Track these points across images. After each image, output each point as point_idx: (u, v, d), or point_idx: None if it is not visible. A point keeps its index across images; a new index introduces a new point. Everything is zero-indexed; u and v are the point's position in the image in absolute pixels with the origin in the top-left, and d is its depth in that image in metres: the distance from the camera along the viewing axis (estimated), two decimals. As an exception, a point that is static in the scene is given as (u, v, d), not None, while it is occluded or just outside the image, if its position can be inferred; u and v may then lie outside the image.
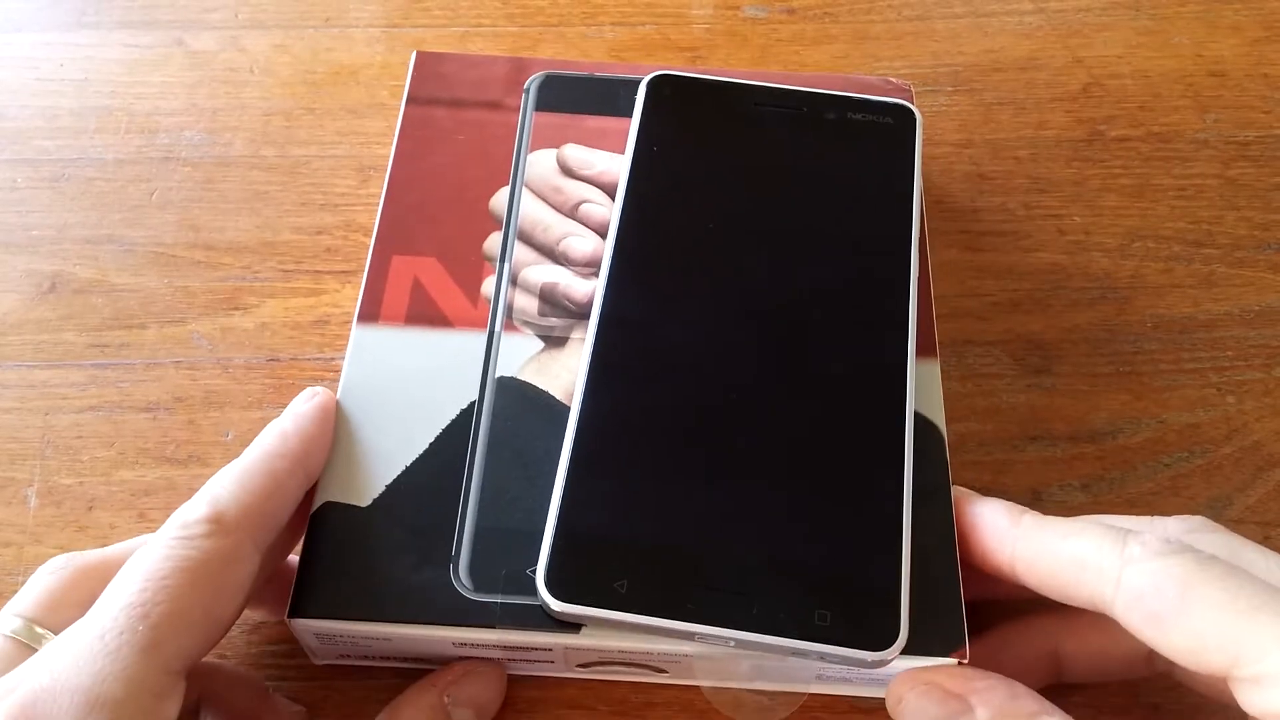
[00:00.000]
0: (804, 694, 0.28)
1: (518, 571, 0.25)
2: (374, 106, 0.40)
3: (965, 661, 0.25)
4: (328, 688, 0.28)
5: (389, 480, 0.27)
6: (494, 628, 0.25)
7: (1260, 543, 0.31)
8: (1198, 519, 0.26)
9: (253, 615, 0.29)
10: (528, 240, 0.31)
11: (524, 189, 0.32)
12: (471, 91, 0.34)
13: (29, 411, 0.33)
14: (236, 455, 0.32)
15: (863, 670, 0.25)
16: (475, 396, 0.28)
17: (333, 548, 0.26)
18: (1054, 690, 0.29)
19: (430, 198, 0.32)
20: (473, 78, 0.34)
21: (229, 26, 0.42)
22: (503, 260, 0.31)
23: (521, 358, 0.29)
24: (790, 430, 0.27)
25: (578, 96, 0.34)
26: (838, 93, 0.33)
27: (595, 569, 0.24)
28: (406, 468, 0.27)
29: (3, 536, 0.31)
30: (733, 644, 0.24)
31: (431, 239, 0.31)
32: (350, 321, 0.30)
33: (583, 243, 0.31)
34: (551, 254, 0.31)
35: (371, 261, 0.31)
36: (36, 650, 0.23)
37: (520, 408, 0.28)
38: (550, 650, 0.26)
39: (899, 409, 0.27)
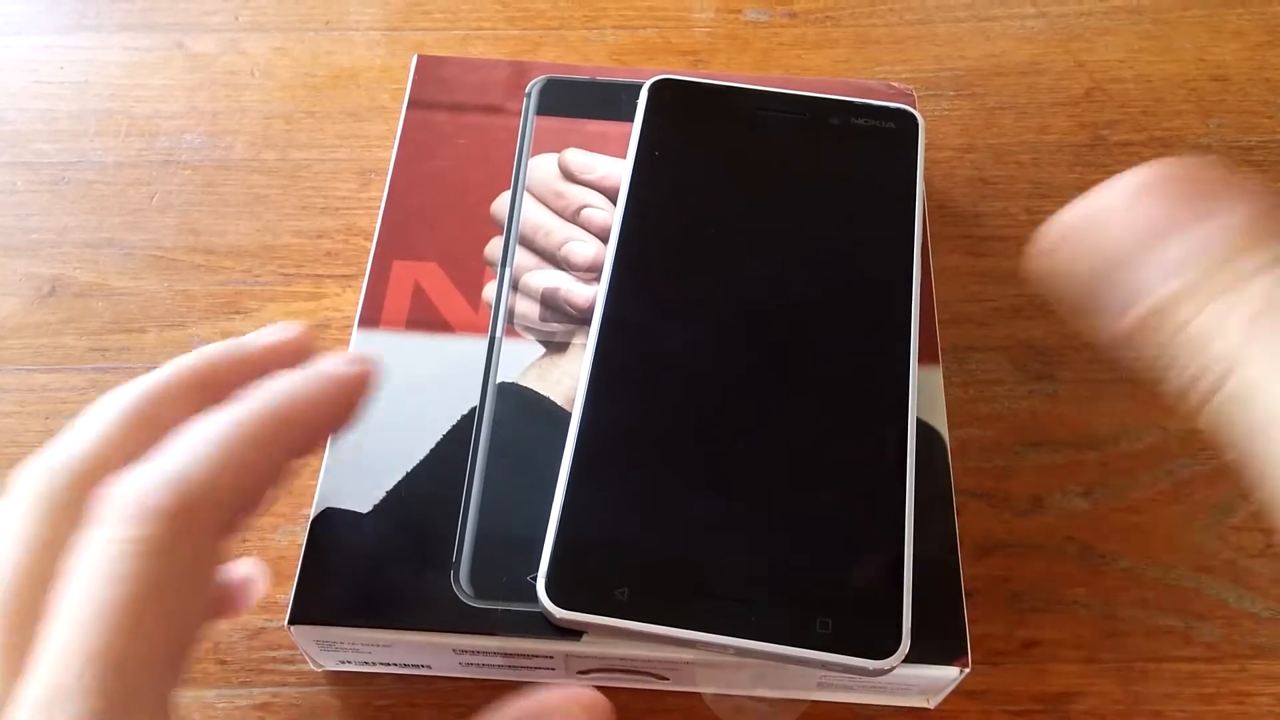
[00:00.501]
0: (806, 701, 0.28)
1: (519, 578, 0.25)
2: (374, 110, 0.40)
3: (967, 669, 0.25)
4: (328, 694, 0.28)
5: (389, 486, 0.27)
6: (495, 635, 0.25)
7: (1263, 550, 0.31)
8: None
9: (253, 621, 0.29)
10: (529, 245, 0.31)
11: (525, 193, 0.32)
12: (472, 95, 0.34)
13: (29, 415, 0.33)
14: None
15: (865, 678, 0.25)
16: (476, 402, 0.28)
17: (333, 554, 0.26)
18: (1053, 697, 0.29)
19: (431, 202, 0.32)
20: (474, 81, 0.34)
21: (229, 29, 0.42)
22: (504, 265, 0.31)
23: (523, 363, 0.29)
24: (792, 437, 0.27)
25: (579, 100, 0.34)
26: (840, 97, 0.33)
27: (596, 576, 0.24)
28: (407, 473, 0.27)
29: (2, 541, 0.31)
30: (734, 652, 0.24)
31: (432, 243, 0.31)
32: (351, 326, 0.30)
33: (584, 248, 0.31)
34: (553, 259, 0.31)
35: (372, 266, 0.31)
36: None
37: (521, 413, 0.28)
38: (551, 657, 0.26)
39: (901, 416, 0.27)
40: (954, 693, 0.27)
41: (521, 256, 0.31)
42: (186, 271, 0.36)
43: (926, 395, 0.29)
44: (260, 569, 0.26)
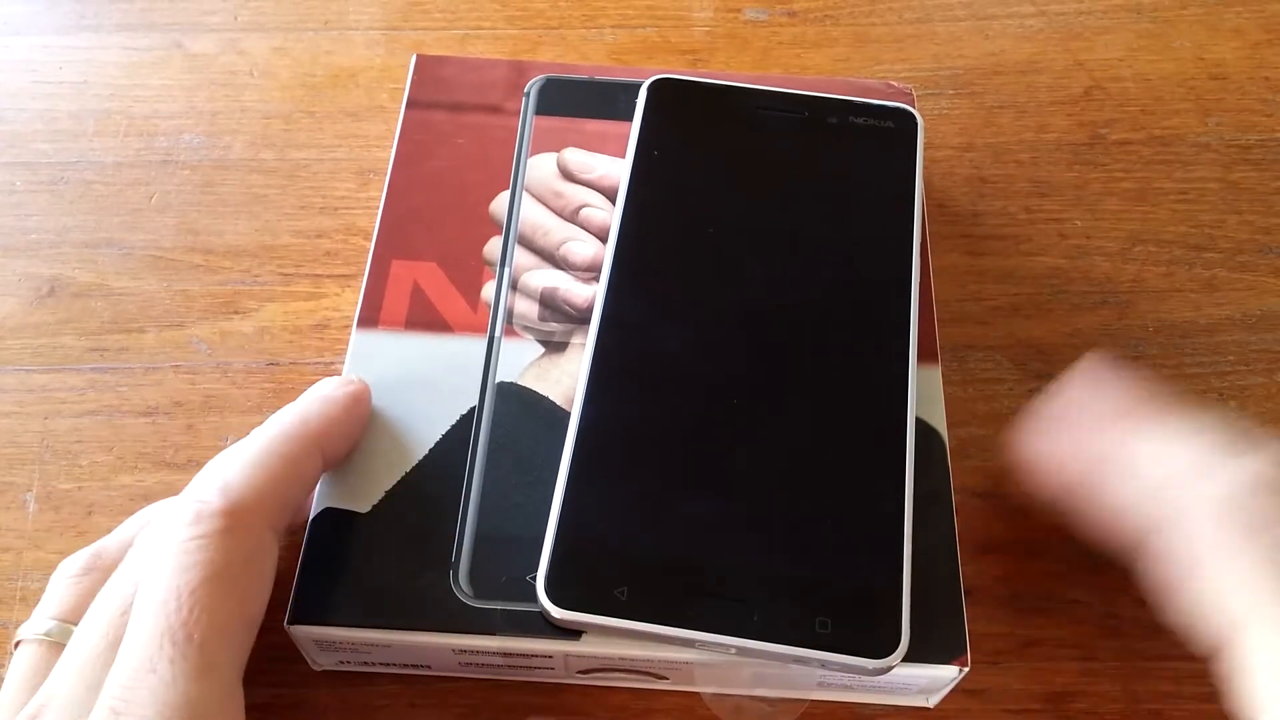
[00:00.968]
0: (805, 701, 0.28)
1: (518, 578, 0.25)
2: (373, 109, 0.40)
3: (967, 669, 0.25)
4: (328, 694, 0.28)
5: (389, 486, 0.27)
6: (494, 634, 0.25)
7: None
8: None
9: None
10: (528, 245, 0.31)
11: (524, 193, 0.32)
12: (471, 95, 0.34)
13: (28, 416, 0.33)
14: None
15: (864, 677, 0.25)
16: (475, 402, 0.28)
17: (333, 554, 0.26)
18: (1052, 696, 0.29)
19: (430, 202, 0.32)
20: (472, 81, 0.34)
21: (228, 29, 0.42)
22: (503, 265, 0.31)
23: (522, 363, 0.29)
24: (791, 437, 0.27)
25: (578, 100, 0.34)
26: (839, 97, 0.33)
27: (595, 576, 0.24)
28: (406, 473, 0.27)
29: (2, 541, 0.31)
30: (734, 651, 0.24)
31: (431, 243, 0.31)
32: (350, 326, 0.30)
33: (583, 247, 0.31)
34: (552, 258, 0.31)
35: (371, 266, 0.31)
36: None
37: (520, 413, 0.28)
38: (550, 657, 0.26)
39: (900, 415, 0.27)
40: (954, 692, 0.27)
41: (520, 256, 0.31)
42: (185, 271, 0.36)
43: (926, 394, 0.29)
44: None
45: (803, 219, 0.30)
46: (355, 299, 0.30)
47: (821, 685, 0.27)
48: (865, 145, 0.32)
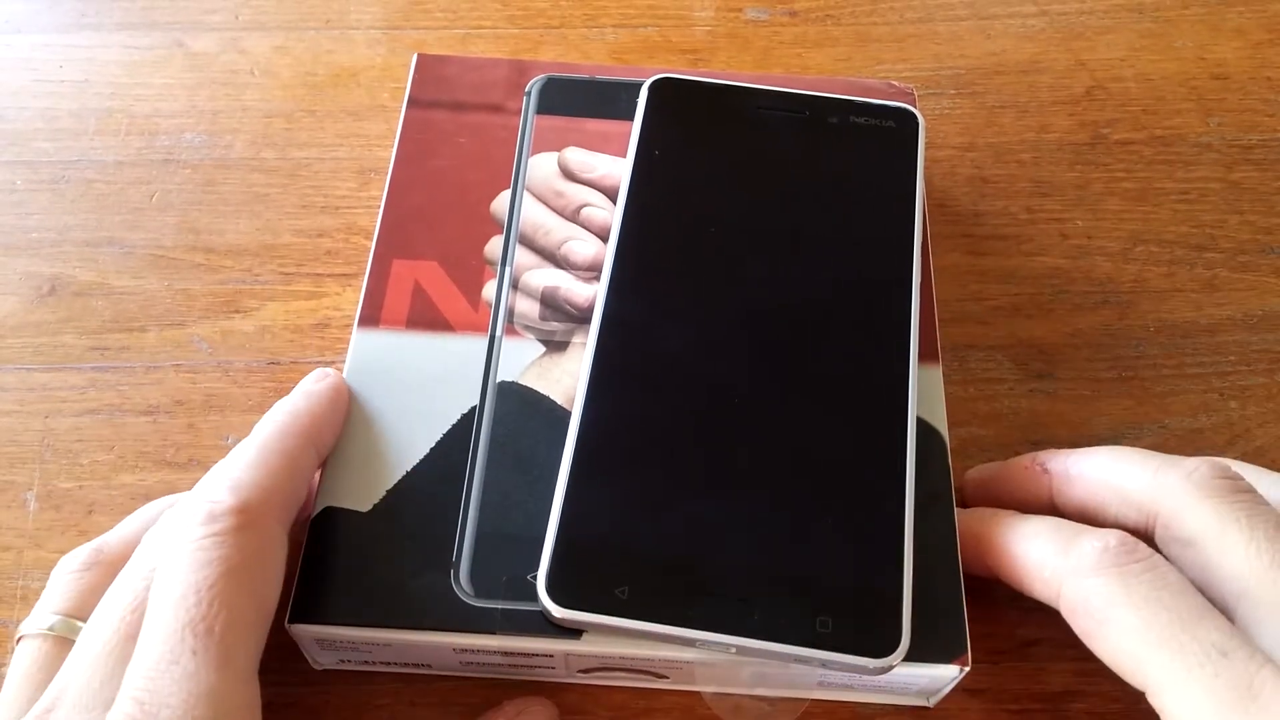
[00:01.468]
0: (806, 700, 0.28)
1: (519, 577, 0.25)
2: (374, 108, 0.40)
3: (967, 668, 0.25)
4: (328, 693, 0.28)
5: (390, 485, 0.27)
6: (495, 634, 0.25)
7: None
8: (1203, 467, 0.25)
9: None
10: (529, 244, 0.31)
11: (525, 192, 0.32)
12: (472, 94, 0.34)
13: (28, 415, 0.33)
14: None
15: (865, 677, 0.25)
16: (476, 401, 0.28)
17: (333, 553, 0.26)
18: (1052, 696, 0.29)
19: (431, 201, 0.32)
20: (474, 80, 0.34)
21: (229, 28, 0.42)
22: (504, 264, 0.31)
23: (523, 362, 0.29)
24: (792, 436, 0.27)
25: (579, 99, 0.34)
26: (840, 96, 0.33)
27: (596, 575, 0.24)
28: (407, 473, 0.27)
29: (2, 540, 0.31)
30: (734, 651, 0.24)
31: (432, 242, 0.31)
32: (351, 325, 0.30)
33: (584, 246, 0.31)
34: (553, 258, 0.31)
35: (372, 265, 0.31)
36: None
37: (521, 412, 0.28)
38: (551, 656, 0.26)
39: (901, 415, 0.27)
40: (954, 691, 0.27)
41: (521, 255, 0.31)
42: (186, 270, 0.36)
43: (926, 394, 0.29)
44: None
45: (804, 219, 0.30)
46: (356, 298, 0.30)
47: (821, 685, 0.27)
48: (866, 145, 0.32)
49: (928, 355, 0.29)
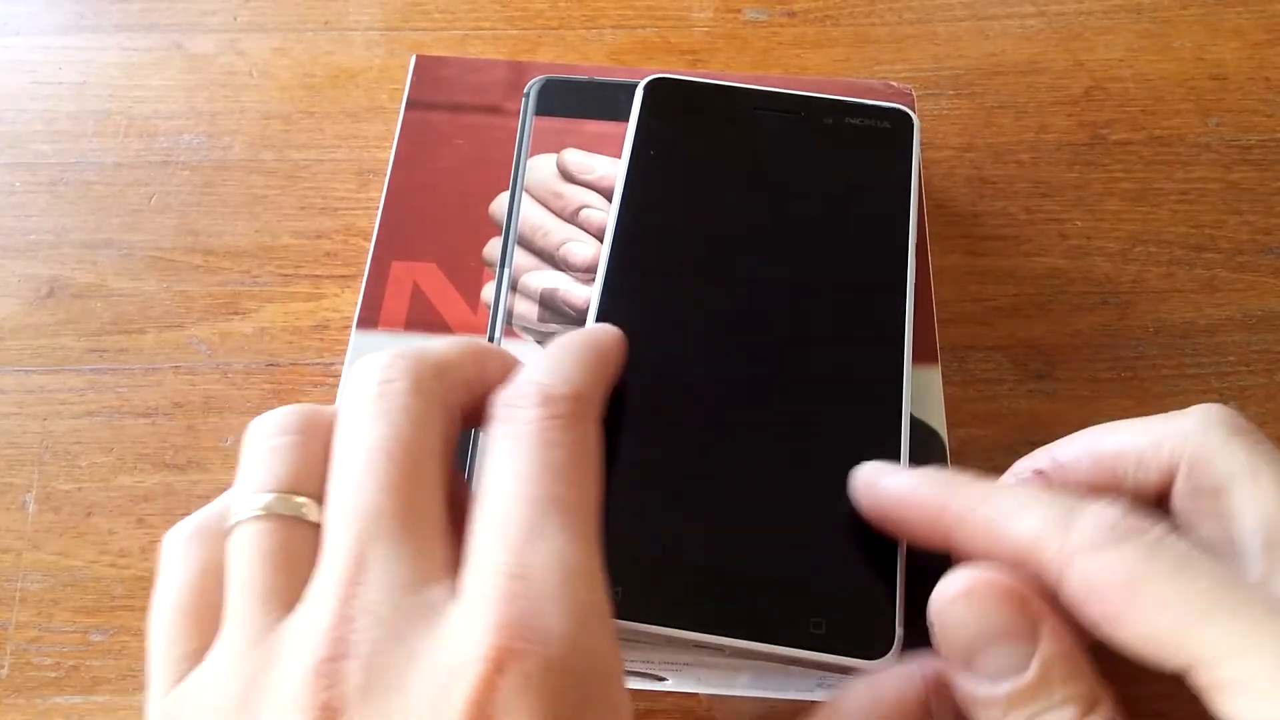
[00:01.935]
0: (805, 702, 0.28)
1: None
2: (373, 110, 0.40)
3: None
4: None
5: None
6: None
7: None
8: (1213, 410, 0.23)
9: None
10: (528, 245, 0.31)
11: (524, 194, 0.32)
12: (471, 96, 0.34)
13: (27, 417, 0.33)
14: (235, 461, 0.32)
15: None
16: (475, 403, 0.28)
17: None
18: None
19: (430, 203, 0.32)
20: (472, 82, 0.34)
21: (228, 29, 0.42)
22: (502, 265, 0.31)
23: (521, 364, 0.29)
24: (785, 438, 0.27)
25: (578, 101, 0.34)
26: (836, 97, 0.33)
27: None
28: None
29: (1, 542, 0.31)
30: (729, 652, 0.24)
31: (431, 244, 0.31)
32: (350, 326, 0.30)
33: (583, 248, 0.31)
34: (552, 259, 0.31)
35: (371, 267, 0.31)
36: (306, 521, 0.20)
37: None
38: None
39: (895, 416, 0.27)
40: (954, 693, 0.27)
41: (520, 257, 0.31)
42: (185, 272, 0.36)
43: (926, 395, 0.29)
44: None
45: (798, 220, 0.30)
46: (355, 300, 0.30)
47: (822, 687, 0.27)
48: (862, 146, 0.32)
49: (927, 356, 0.29)
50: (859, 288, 0.29)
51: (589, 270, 0.31)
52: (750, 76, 0.35)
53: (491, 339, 0.29)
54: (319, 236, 0.37)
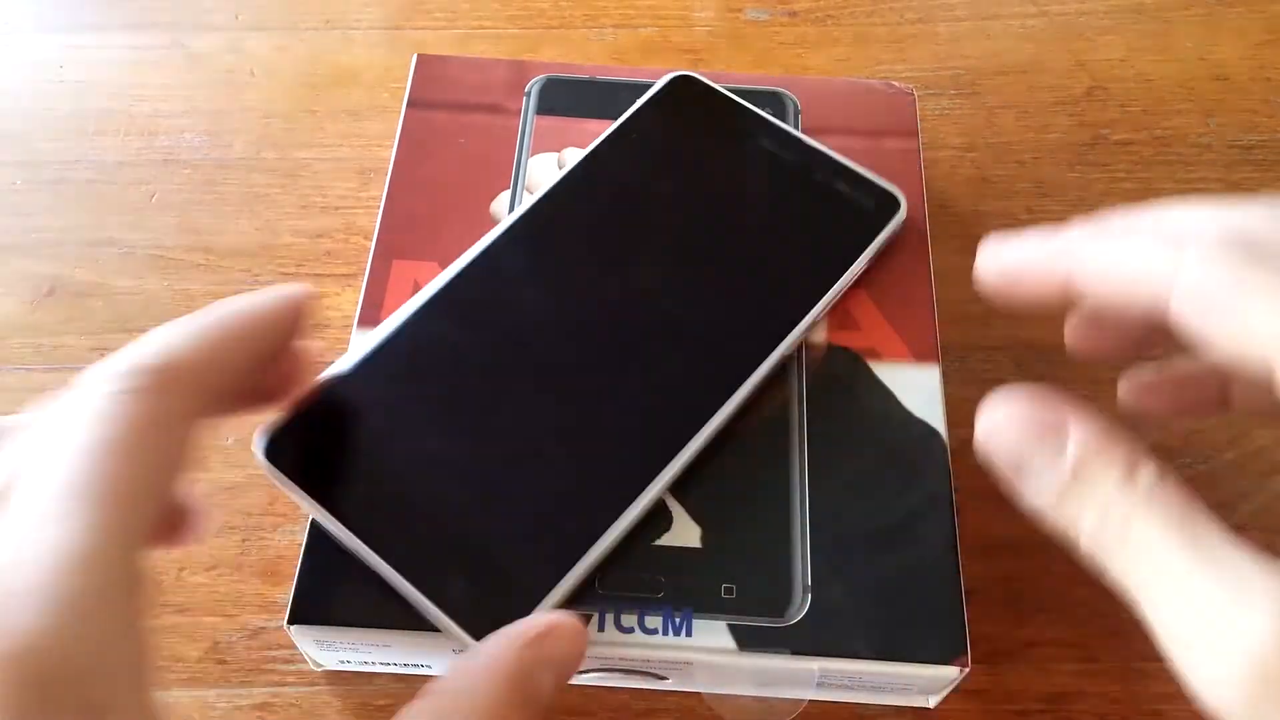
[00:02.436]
0: (804, 701, 0.28)
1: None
2: (374, 109, 0.40)
3: (968, 669, 0.25)
4: (327, 693, 0.28)
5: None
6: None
7: (1263, 549, 0.31)
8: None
9: (253, 620, 0.29)
10: (529, 244, 0.31)
11: (525, 193, 0.32)
12: (472, 95, 0.34)
13: (28, 415, 0.33)
14: (237, 460, 0.32)
15: (863, 678, 0.25)
16: (475, 402, 0.28)
17: (333, 554, 0.26)
18: (1053, 697, 0.29)
19: (431, 202, 0.32)
20: (473, 81, 0.34)
21: (229, 28, 0.42)
22: (503, 264, 0.31)
23: (522, 363, 0.29)
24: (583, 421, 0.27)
25: (579, 100, 0.34)
26: (836, 157, 0.32)
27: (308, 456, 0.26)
28: (406, 473, 0.27)
29: (2, 541, 0.31)
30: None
31: (432, 243, 0.31)
32: (351, 325, 0.30)
33: (584, 247, 0.31)
34: (552, 258, 0.31)
35: (372, 266, 0.31)
36: None
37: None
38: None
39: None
40: (954, 692, 0.27)
41: (521, 256, 0.31)
42: (186, 271, 0.36)
43: (926, 394, 0.29)
44: (205, 510, 0.24)
45: (723, 243, 0.30)
46: (356, 299, 0.30)
47: (821, 685, 0.27)
48: (837, 209, 0.31)
49: (927, 355, 0.29)
50: (741, 316, 0.29)
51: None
52: (751, 76, 0.35)
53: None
54: (320, 235, 0.37)
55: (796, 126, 0.33)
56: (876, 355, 0.30)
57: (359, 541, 0.24)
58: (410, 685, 0.28)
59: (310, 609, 0.25)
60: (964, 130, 0.40)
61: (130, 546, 0.18)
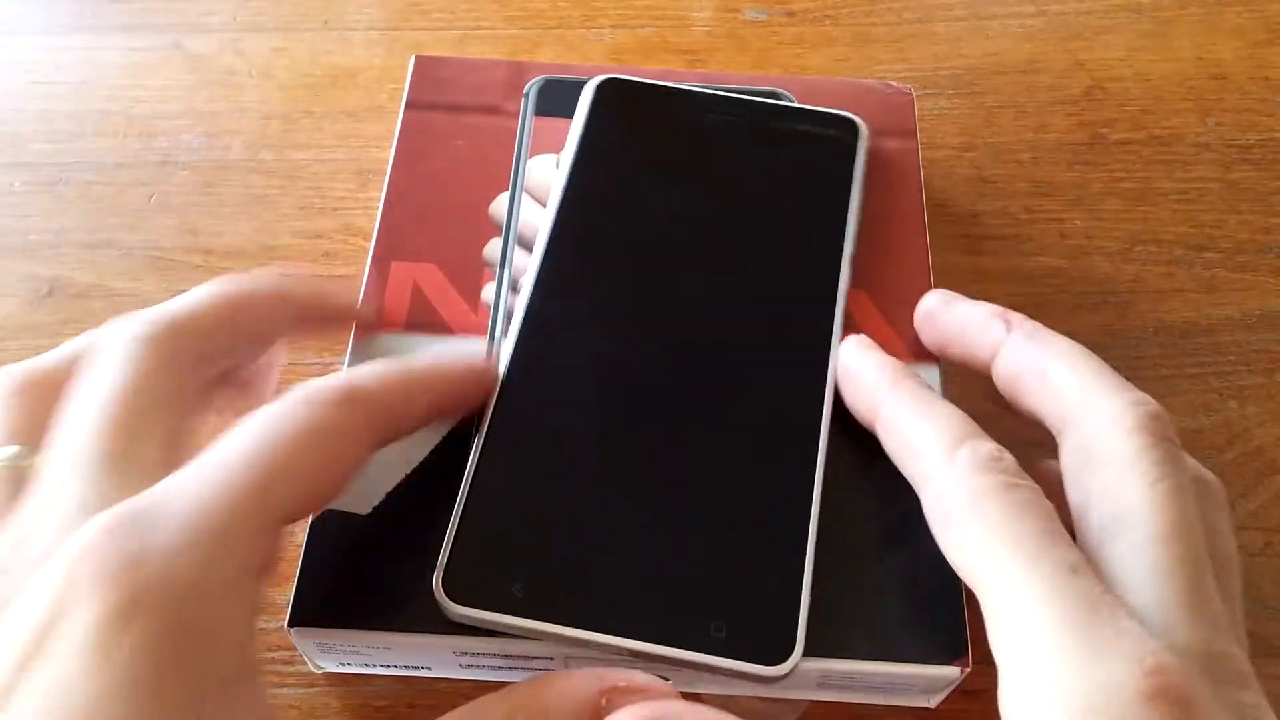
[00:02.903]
0: (805, 701, 0.28)
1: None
2: (373, 109, 0.40)
3: (968, 669, 0.25)
4: (328, 695, 0.28)
5: (389, 487, 0.27)
6: (495, 636, 0.25)
7: (1262, 549, 0.31)
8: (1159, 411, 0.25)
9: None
10: (528, 246, 0.31)
11: (524, 194, 0.32)
12: (470, 96, 0.34)
13: (27, 417, 0.33)
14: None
15: (864, 678, 0.25)
16: (475, 403, 0.28)
17: (333, 556, 0.26)
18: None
19: (429, 203, 0.32)
20: (471, 82, 0.34)
21: (227, 29, 0.42)
22: (503, 266, 0.31)
23: (522, 364, 0.29)
24: (700, 441, 0.27)
25: (577, 101, 0.34)
26: (783, 104, 0.33)
27: (493, 575, 0.24)
28: (407, 475, 0.27)
29: (1, 543, 0.31)
30: (628, 654, 0.24)
31: (431, 245, 0.31)
32: (350, 327, 0.30)
33: (583, 248, 0.31)
34: (552, 259, 0.31)
35: (371, 268, 0.31)
36: (20, 465, 0.22)
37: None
38: (551, 660, 0.26)
39: (813, 424, 0.27)
40: (955, 692, 0.27)
41: (520, 257, 0.31)
42: (185, 272, 0.36)
43: (926, 395, 0.29)
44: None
45: (737, 226, 0.30)
46: (354, 300, 0.30)
47: (821, 685, 0.27)
48: (808, 152, 0.32)
49: (928, 355, 0.29)
50: (788, 293, 0.29)
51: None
52: (749, 76, 0.35)
53: (492, 339, 0.29)
54: (319, 236, 0.37)
55: None
56: (876, 355, 0.29)
57: (600, 636, 0.23)
58: (411, 687, 0.28)
59: (311, 612, 0.25)
60: (962, 130, 0.40)
61: (262, 523, 0.21)
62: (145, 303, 0.35)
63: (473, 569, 0.24)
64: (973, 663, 0.25)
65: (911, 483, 0.25)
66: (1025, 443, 0.33)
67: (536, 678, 0.23)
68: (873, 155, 0.33)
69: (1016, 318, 0.28)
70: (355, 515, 0.26)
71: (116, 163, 0.38)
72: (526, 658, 0.26)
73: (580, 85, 0.34)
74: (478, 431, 0.26)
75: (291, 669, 0.29)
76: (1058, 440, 0.25)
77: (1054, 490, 0.24)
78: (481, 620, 0.24)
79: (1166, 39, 0.42)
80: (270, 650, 0.29)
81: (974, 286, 0.36)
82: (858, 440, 0.27)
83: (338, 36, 0.42)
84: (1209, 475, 0.25)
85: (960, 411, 0.25)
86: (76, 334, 0.34)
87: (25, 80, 0.40)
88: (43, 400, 0.23)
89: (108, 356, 0.23)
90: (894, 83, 0.35)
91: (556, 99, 0.34)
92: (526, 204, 0.32)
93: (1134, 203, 0.38)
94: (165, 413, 0.22)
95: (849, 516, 0.27)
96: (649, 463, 0.26)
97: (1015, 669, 0.21)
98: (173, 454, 0.22)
